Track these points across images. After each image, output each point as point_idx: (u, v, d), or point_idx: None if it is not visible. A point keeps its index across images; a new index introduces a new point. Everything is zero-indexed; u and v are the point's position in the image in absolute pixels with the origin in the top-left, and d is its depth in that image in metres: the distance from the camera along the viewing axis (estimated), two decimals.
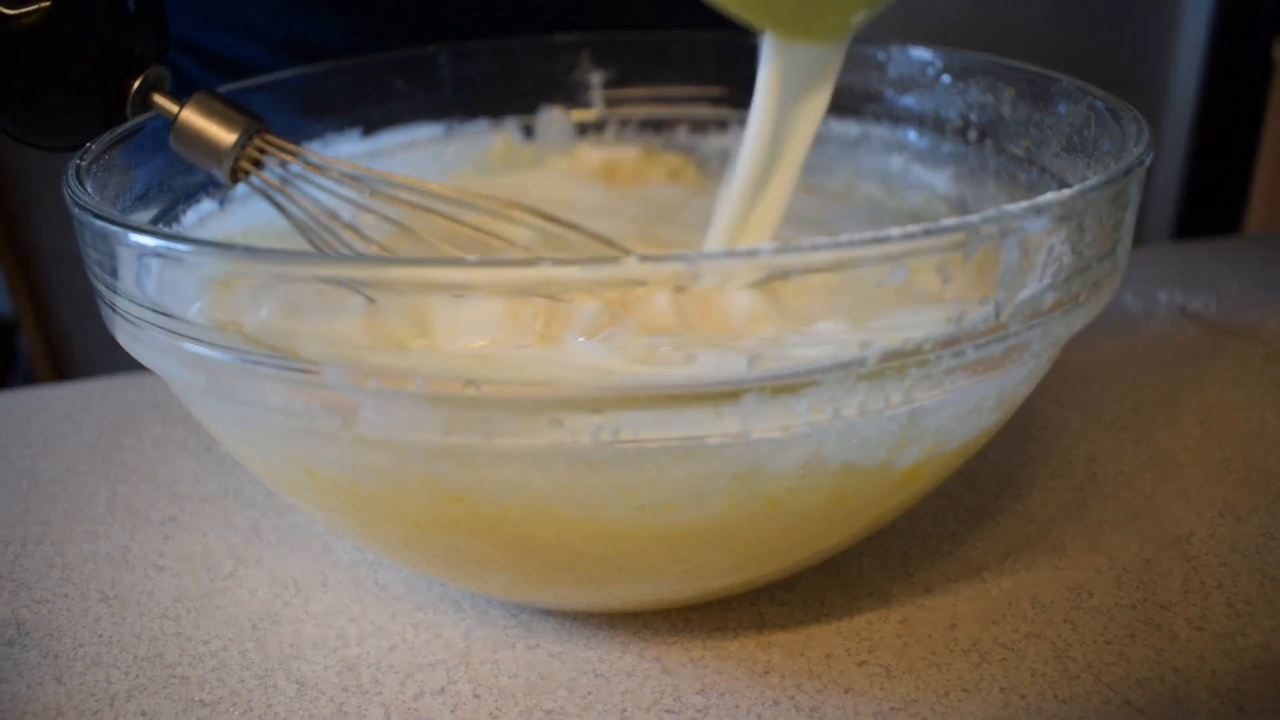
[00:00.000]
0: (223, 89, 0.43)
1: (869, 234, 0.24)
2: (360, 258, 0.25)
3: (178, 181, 0.41)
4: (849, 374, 0.26)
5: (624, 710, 0.32)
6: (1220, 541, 0.39)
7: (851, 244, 0.24)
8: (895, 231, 0.24)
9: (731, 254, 0.24)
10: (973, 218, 0.25)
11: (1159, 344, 0.53)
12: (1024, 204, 0.26)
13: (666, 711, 0.32)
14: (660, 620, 0.36)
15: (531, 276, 0.24)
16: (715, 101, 0.53)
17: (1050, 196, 0.27)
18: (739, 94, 0.53)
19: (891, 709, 0.32)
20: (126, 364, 0.36)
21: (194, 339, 0.28)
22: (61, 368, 1.11)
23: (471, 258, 0.24)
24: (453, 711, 0.32)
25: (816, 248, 0.24)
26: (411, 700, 0.33)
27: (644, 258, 0.24)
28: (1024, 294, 0.27)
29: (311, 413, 0.27)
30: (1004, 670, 0.33)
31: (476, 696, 0.33)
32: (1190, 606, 0.36)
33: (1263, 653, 0.33)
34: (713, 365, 0.26)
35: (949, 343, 0.26)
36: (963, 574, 0.37)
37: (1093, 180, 0.28)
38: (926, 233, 0.25)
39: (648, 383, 0.25)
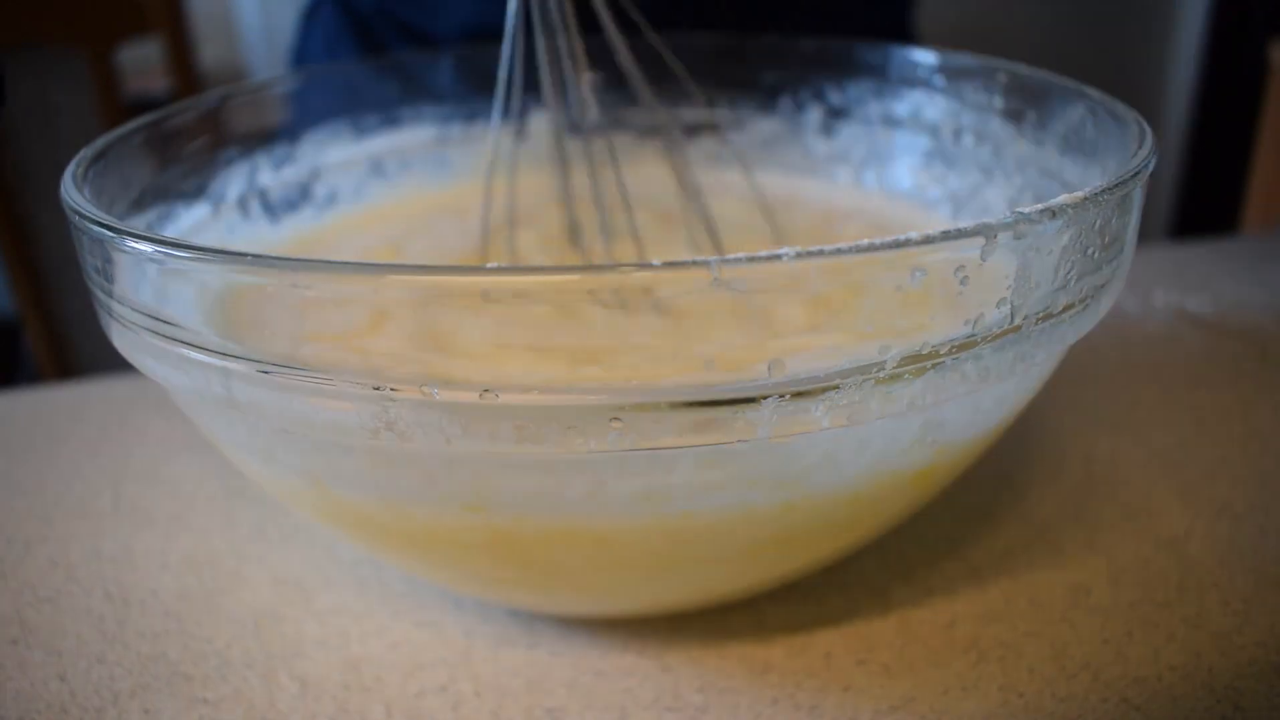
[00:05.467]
0: (211, 92, 0.44)
1: (889, 238, 0.24)
2: (362, 265, 0.25)
3: (175, 187, 0.41)
4: (867, 378, 0.26)
5: (624, 709, 0.32)
6: (1217, 541, 0.39)
7: (872, 248, 0.24)
8: (915, 235, 0.24)
9: (754, 258, 0.24)
10: (990, 221, 0.25)
11: (1156, 344, 0.53)
12: (1039, 206, 0.26)
13: (666, 710, 0.32)
14: (660, 620, 0.36)
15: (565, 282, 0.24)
16: (715, 102, 0.53)
17: (1065, 199, 0.26)
18: (738, 94, 0.53)
19: (891, 707, 0.32)
20: (129, 364, 0.36)
21: (192, 346, 0.27)
22: (66, 368, 1.11)
23: (491, 264, 0.24)
24: (454, 710, 0.33)
25: (839, 251, 0.24)
26: (413, 698, 0.33)
27: (666, 263, 0.23)
28: (1038, 296, 0.27)
29: (317, 420, 0.26)
30: (1002, 669, 0.33)
31: (478, 695, 0.33)
32: (1187, 605, 0.36)
33: (1259, 650, 0.34)
34: (732, 371, 0.25)
35: (965, 345, 0.26)
36: (961, 573, 0.38)
37: (1106, 183, 0.28)
38: (945, 236, 0.25)
39: (668, 389, 0.25)
